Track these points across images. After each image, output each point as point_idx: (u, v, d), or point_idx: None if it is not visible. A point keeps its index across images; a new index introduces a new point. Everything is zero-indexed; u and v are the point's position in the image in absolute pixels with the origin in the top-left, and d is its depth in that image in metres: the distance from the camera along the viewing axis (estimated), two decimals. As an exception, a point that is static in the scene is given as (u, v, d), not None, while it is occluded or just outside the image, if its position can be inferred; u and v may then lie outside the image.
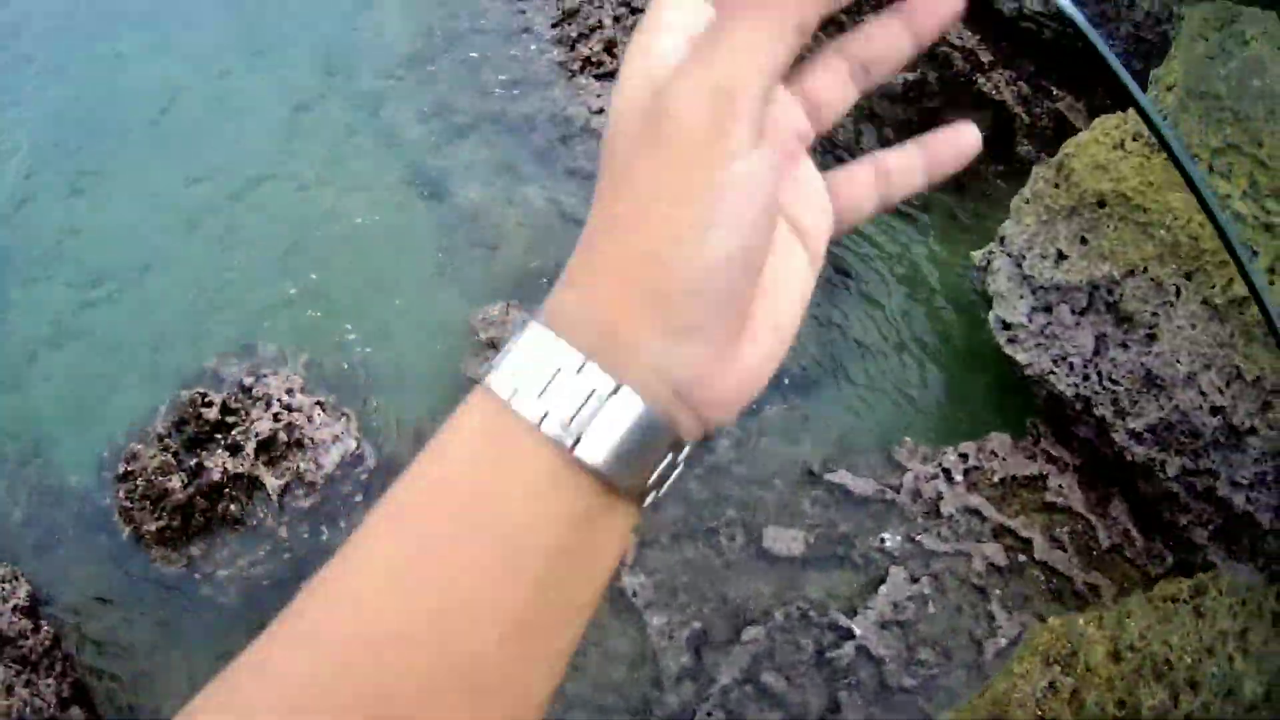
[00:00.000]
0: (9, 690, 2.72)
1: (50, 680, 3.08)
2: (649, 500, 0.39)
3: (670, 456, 0.38)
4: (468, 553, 0.36)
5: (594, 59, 3.32)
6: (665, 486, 0.39)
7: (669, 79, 0.37)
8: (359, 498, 3.00)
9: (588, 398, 0.36)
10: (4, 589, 3.04)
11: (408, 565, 0.36)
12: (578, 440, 0.36)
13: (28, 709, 2.68)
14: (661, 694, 2.62)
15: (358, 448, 3.10)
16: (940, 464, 2.42)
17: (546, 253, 3.44)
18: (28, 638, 3.03)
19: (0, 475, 3.36)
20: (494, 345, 3.28)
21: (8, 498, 3.17)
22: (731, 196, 0.36)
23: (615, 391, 0.36)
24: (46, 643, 3.07)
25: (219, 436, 3.19)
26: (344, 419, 3.10)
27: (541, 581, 0.36)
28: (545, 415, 0.36)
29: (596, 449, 0.36)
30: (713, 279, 0.36)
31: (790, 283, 0.41)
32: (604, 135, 0.40)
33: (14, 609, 3.01)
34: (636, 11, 3.27)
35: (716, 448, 3.06)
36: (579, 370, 0.36)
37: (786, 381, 3.23)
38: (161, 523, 3.09)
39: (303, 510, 2.97)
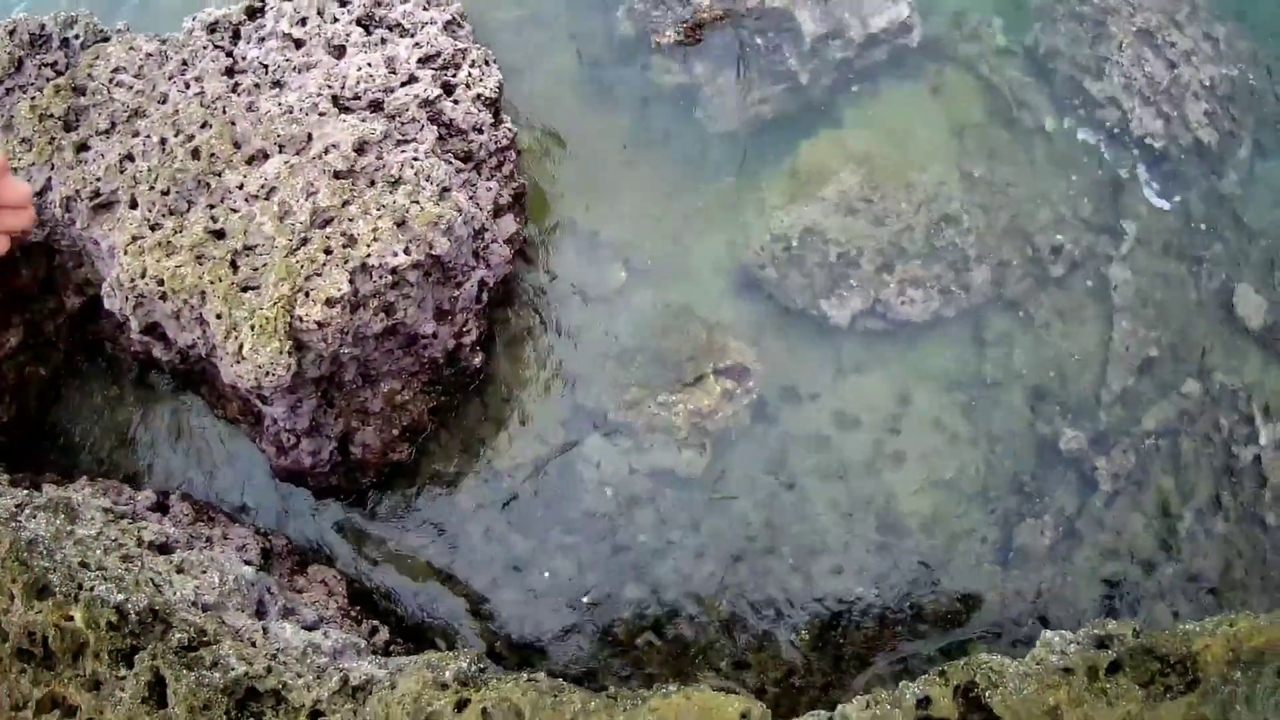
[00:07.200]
0: (443, 193, 2.39)
1: (492, 184, 2.63)
2: None
3: None
4: None
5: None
6: None
7: None
8: (891, 71, 2.89)
9: None
10: (473, 74, 2.67)
11: None
12: None
13: (460, 215, 2.38)
14: (1096, 407, 2.65)
15: (908, 18, 2.69)
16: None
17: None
18: (482, 132, 2.57)
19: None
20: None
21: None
22: None
23: None
24: (502, 142, 2.66)
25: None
26: (905, -15, 2.48)
27: None
28: None
29: None
30: None
31: None
32: None
33: (476, 98, 2.57)
34: None
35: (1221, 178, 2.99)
36: None
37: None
38: (677, 38, 2.85)
39: (831, 62, 2.71)
